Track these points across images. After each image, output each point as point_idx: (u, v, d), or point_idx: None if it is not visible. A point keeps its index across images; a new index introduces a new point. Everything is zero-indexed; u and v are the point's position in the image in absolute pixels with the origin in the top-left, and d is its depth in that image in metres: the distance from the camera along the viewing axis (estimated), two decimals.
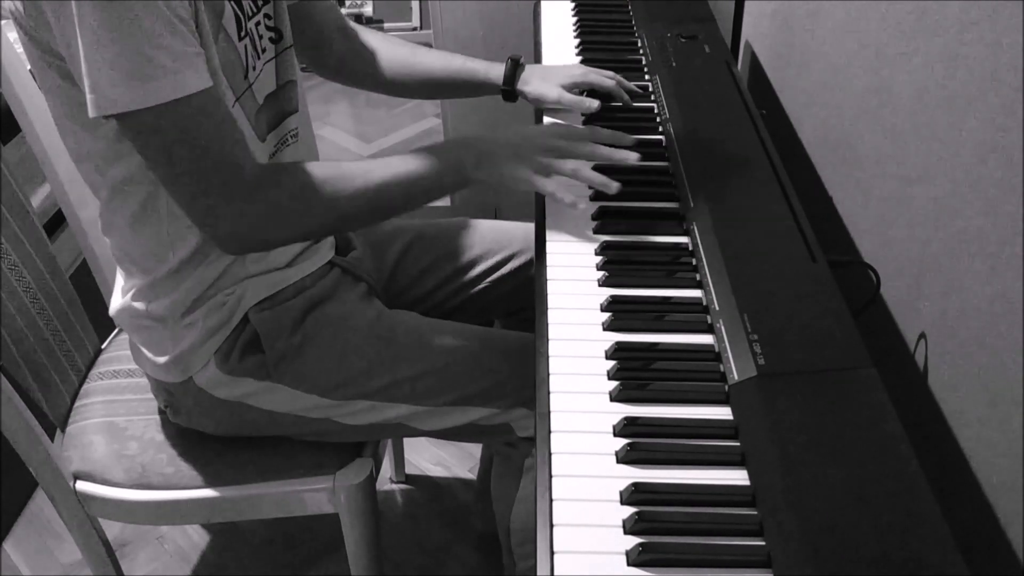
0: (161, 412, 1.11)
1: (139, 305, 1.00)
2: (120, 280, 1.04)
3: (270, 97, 1.00)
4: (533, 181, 0.93)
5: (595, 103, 1.15)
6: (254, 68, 0.96)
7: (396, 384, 1.01)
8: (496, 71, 1.19)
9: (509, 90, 1.19)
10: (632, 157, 0.97)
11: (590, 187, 0.98)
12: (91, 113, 0.79)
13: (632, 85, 1.21)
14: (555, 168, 0.94)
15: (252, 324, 1.00)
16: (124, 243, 0.98)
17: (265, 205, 0.87)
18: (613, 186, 0.95)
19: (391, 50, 1.20)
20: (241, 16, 0.93)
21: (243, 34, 0.93)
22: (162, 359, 1.01)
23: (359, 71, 1.20)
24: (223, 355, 1.00)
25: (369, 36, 1.20)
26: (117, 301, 1.03)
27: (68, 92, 0.85)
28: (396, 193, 0.93)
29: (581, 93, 1.17)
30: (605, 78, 1.18)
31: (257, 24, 0.97)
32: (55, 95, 0.88)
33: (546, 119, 1.19)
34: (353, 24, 1.20)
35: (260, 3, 0.97)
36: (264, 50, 0.98)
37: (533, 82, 1.18)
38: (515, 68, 1.19)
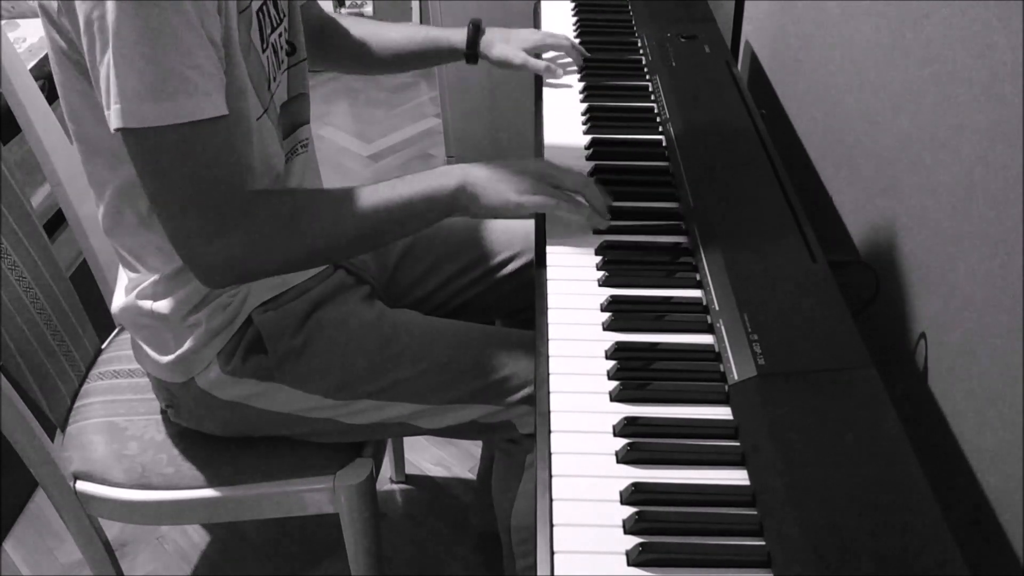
0: (162, 412, 1.11)
1: (144, 304, 0.99)
2: (123, 278, 1.03)
3: (283, 107, 1.01)
4: (523, 201, 0.91)
5: (560, 70, 1.25)
6: (274, 79, 0.97)
7: (399, 383, 1.01)
8: (458, 36, 1.24)
9: (472, 53, 1.24)
10: (604, 223, 0.96)
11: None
12: (114, 124, 0.78)
13: (579, 49, 1.29)
14: (548, 194, 0.92)
15: (255, 325, 1.00)
16: (131, 242, 0.98)
17: (250, 231, 0.85)
18: (603, 222, 0.95)
19: (357, 28, 1.25)
20: (264, 28, 0.93)
21: (265, 46, 0.94)
22: (164, 359, 1.01)
23: (332, 51, 1.24)
24: (226, 356, 1.00)
25: (340, 19, 1.25)
26: (120, 299, 1.03)
27: (90, 87, 0.84)
28: (384, 219, 0.91)
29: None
30: (560, 39, 1.28)
31: (279, 35, 0.98)
32: (75, 88, 0.87)
33: (546, 91, 1.23)
34: (327, 12, 1.25)
35: (281, 15, 0.98)
36: (282, 61, 1.00)
37: (497, 45, 1.24)
38: (476, 32, 1.24)
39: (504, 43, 1.24)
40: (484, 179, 0.91)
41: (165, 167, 0.81)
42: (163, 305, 0.98)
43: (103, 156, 0.91)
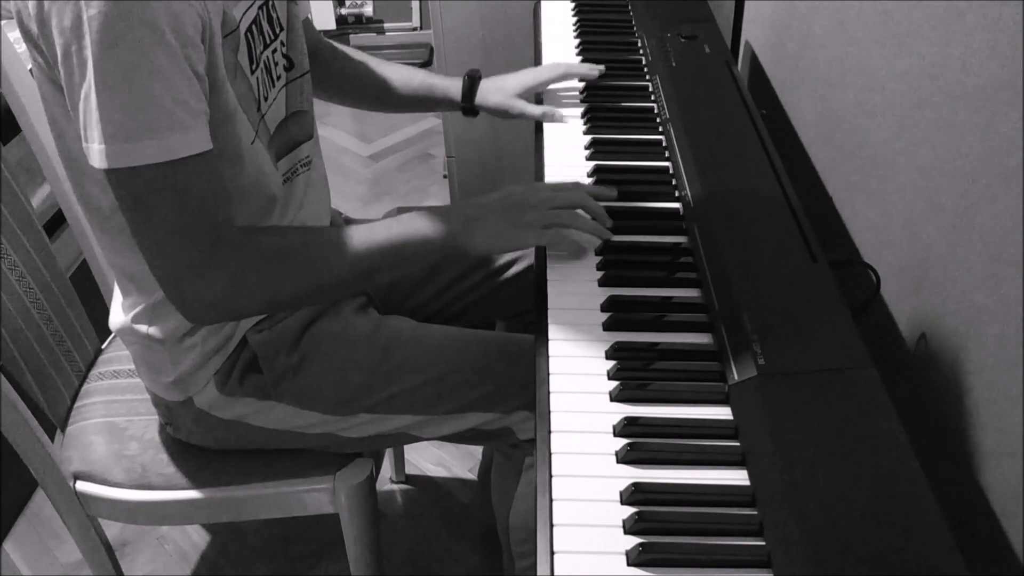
0: (162, 427, 1.11)
1: (140, 328, 0.98)
2: (119, 296, 1.02)
3: (280, 125, 0.98)
4: (526, 237, 0.89)
5: (559, 112, 1.17)
6: (266, 98, 0.94)
7: (397, 396, 1.00)
8: (455, 88, 1.20)
9: (468, 106, 1.20)
10: (608, 232, 0.93)
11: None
12: (97, 164, 0.75)
13: (586, 69, 1.22)
14: (547, 221, 0.89)
15: (251, 345, 1.00)
16: (125, 264, 0.95)
17: (238, 269, 0.82)
18: (605, 235, 0.93)
19: (353, 64, 1.21)
20: (254, 48, 0.90)
21: (255, 66, 0.91)
22: (162, 379, 1.01)
23: (322, 80, 1.19)
24: (223, 377, 1.00)
25: (337, 49, 1.21)
26: (118, 317, 1.02)
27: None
28: (377, 261, 0.88)
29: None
30: (554, 72, 1.20)
31: (273, 52, 0.95)
32: (57, 105, 0.83)
33: (546, 93, 1.20)
34: (324, 38, 1.20)
35: (277, 30, 0.96)
36: (279, 78, 0.97)
37: (491, 96, 1.19)
38: (472, 84, 1.19)
39: (497, 91, 1.19)
40: (482, 219, 0.88)
41: (149, 204, 0.78)
42: (158, 329, 0.97)
43: (89, 178, 0.88)
